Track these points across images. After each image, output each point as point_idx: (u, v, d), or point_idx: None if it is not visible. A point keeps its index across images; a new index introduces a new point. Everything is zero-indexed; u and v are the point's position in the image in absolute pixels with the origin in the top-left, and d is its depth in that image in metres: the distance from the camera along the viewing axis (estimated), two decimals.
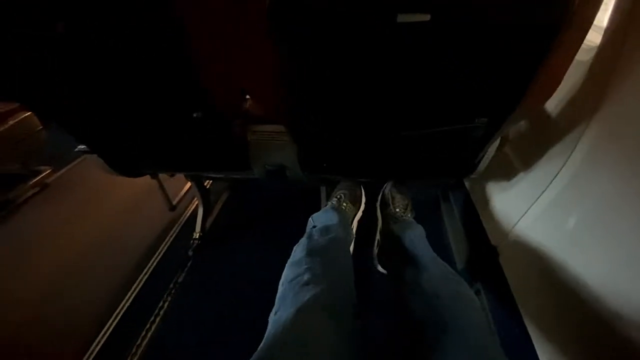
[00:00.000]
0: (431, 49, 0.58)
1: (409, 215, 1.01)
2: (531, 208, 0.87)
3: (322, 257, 0.72)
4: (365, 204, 1.12)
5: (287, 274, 0.72)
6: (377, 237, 1.05)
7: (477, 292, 1.02)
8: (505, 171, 0.99)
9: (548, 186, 0.83)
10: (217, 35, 0.68)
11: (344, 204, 1.04)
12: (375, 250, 1.03)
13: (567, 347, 0.72)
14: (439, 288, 0.66)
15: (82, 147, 1.01)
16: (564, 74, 0.62)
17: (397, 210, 1.02)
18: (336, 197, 1.07)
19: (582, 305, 0.70)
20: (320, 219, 0.98)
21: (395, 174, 0.98)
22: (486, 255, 1.02)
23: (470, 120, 0.73)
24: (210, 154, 0.99)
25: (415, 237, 0.88)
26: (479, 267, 1.04)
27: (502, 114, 0.70)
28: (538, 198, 0.85)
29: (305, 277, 0.64)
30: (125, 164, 1.05)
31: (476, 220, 1.11)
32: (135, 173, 1.12)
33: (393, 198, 1.07)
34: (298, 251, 0.77)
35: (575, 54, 0.57)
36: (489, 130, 0.75)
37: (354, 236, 1.02)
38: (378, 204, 1.12)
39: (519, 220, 0.91)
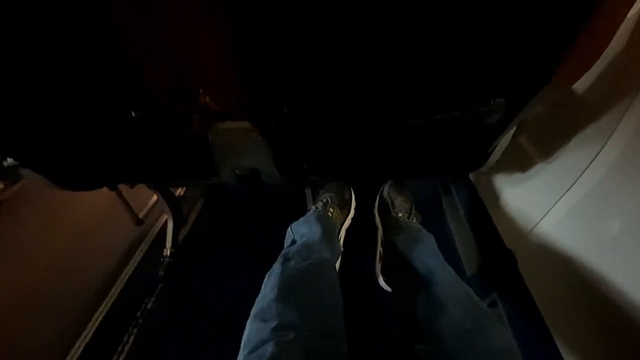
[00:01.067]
0: (443, 8, 0.42)
1: (414, 221, 0.85)
2: (555, 206, 0.72)
3: (298, 296, 0.55)
4: (356, 209, 0.96)
5: (254, 315, 0.55)
6: (379, 248, 0.89)
7: (493, 303, 0.88)
8: (520, 163, 0.84)
9: (577, 180, 0.68)
10: (147, 10, 0.51)
11: (331, 210, 0.88)
12: (378, 265, 0.87)
13: None
14: (463, 321, 0.50)
15: (11, 160, 0.83)
16: (610, 39, 0.46)
17: (400, 215, 0.86)
18: (322, 202, 0.91)
19: (622, 319, 0.56)
20: (301, 230, 0.81)
21: (392, 173, 0.82)
22: (502, 260, 0.87)
23: (486, 102, 0.57)
24: (164, 160, 0.82)
25: (425, 249, 0.72)
26: (494, 274, 0.89)
27: (524, 94, 0.55)
28: (564, 194, 0.70)
29: (274, 333, 0.47)
30: (65, 178, 0.87)
31: (485, 219, 0.96)
32: (81, 187, 0.94)
33: (393, 201, 0.91)
34: (269, 286, 0.60)
35: (622, 19, 0.42)
36: (506, 115, 0.59)
37: (342, 249, 0.86)
38: (376, 209, 0.96)
39: (540, 219, 0.76)
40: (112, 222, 1.29)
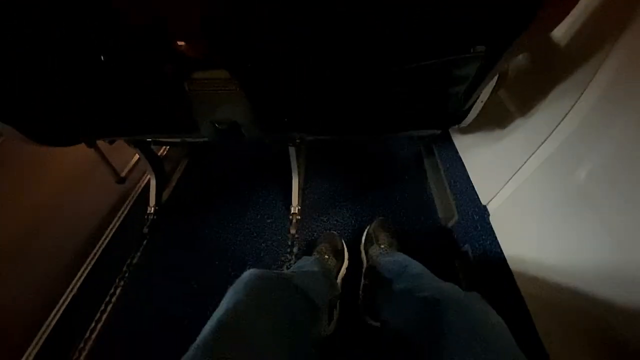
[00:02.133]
0: None
1: (395, 252, 0.87)
2: (530, 159, 0.74)
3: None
4: (349, 259, 0.98)
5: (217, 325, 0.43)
6: (362, 281, 0.91)
7: (466, 254, 0.93)
8: (500, 119, 0.85)
9: (552, 133, 0.69)
10: None
11: (326, 257, 0.90)
12: (361, 296, 0.89)
13: (567, 324, 0.63)
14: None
15: None
16: None
17: (383, 247, 0.89)
18: (317, 251, 0.91)
19: (586, 264, 0.60)
20: (298, 264, 0.82)
21: (373, 126, 0.82)
22: (474, 215, 0.91)
23: (465, 49, 0.56)
24: (140, 111, 0.80)
25: (410, 271, 0.68)
26: (466, 229, 0.93)
27: (503, 41, 0.54)
28: (539, 147, 0.72)
29: None
30: (38, 131, 0.84)
31: (464, 176, 0.99)
32: (57, 142, 0.91)
33: (377, 236, 0.93)
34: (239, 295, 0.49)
35: None
36: (486, 63, 0.59)
37: (340, 291, 0.87)
38: (362, 245, 0.99)
39: (514, 173, 0.79)
40: (94, 179, 1.27)
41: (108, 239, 1.16)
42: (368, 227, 1.01)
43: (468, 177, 0.98)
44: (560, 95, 0.68)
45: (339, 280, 0.91)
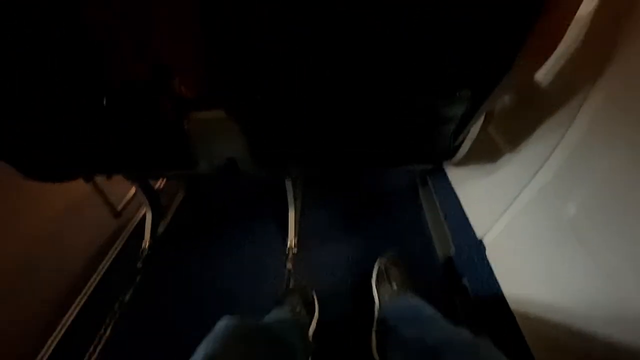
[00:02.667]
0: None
1: (407, 291, 0.86)
2: (521, 194, 0.76)
3: None
4: (320, 312, 0.95)
5: None
6: (375, 326, 0.88)
7: (465, 289, 0.91)
8: (490, 154, 0.87)
9: (540, 168, 0.71)
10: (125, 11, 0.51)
11: (297, 310, 0.86)
12: (374, 338, 0.87)
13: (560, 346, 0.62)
14: None
15: None
16: (565, 30, 0.49)
17: (394, 286, 0.88)
18: (289, 306, 0.87)
19: (579, 300, 0.59)
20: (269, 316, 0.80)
21: (365, 161, 0.84)
22: (471, 248, 0.91)
23: (451, 93, 0.59)
24: (139, 149, 0.81)
25: (426, 321, 0.66)
26: (464, 262, 0.93)
27: (488, 85, 0.57)
28: (529, 182, 0.74)
29: None
30: (35, 168, 0.85)
31: (458, 209, 0.99)
32: (53, 178, 0.92)
33: (389, 273, 0.92)
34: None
35: (579, 3, 0.44)
36: (472, 105, 0.62)
37: (313, 347, 0.84)
38: (373, 280, 0.97)
39: (507, 208, 0.80)
40: (90, 214, 1.27)
41: (101, 275, 1.14)
42: (379, 262, 0.98)
43: (462, 209, 0.99)
44: (546, 131, 0.70)
45: (310, 334, 0.88)
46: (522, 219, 0.76)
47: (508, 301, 0.77)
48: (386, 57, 0.53)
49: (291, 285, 1.05)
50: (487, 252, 0.84)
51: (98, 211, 1.23)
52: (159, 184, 1.44)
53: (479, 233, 0.89)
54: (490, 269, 0.81)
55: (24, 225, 1.18)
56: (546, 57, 0.53)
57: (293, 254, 1.13)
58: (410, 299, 0.79)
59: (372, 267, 1.06)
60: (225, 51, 0.57)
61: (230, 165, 0.87)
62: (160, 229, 1.29)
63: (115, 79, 0.61)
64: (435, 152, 0.79)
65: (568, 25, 0.49)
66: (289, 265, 1.10)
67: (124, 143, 0.79)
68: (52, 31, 0.53)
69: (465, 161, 0.87)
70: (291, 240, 1.15)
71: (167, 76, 0.62)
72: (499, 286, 0.79)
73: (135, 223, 1.33)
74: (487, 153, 0.89)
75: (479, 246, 0.87)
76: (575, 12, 0.47)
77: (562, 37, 0.50)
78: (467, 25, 0.48)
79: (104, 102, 0.66)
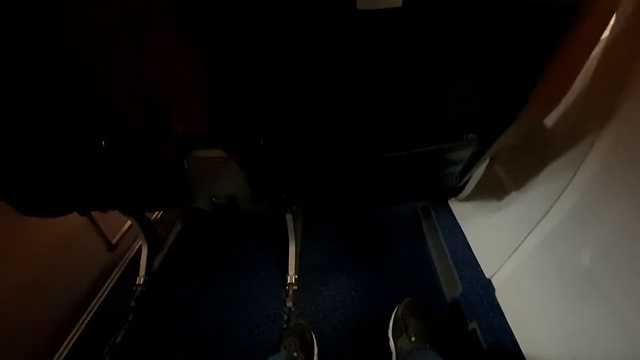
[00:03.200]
0: (419, 45, 0.43)
1: (427, 346, 0.82)
2: (530, 235, 0.73)
3: None
4: (319, 354, 0.92)
5: None
6: None
7: (474, 333, 0.87)
8: (495, 191, 0.86)
9: (548, 211, 0.69)
10: (116, 42, 0.50)
11: (294, 355, 0.83)
12: None
13: None
14: None
15: None
16: (576, 75, 0.48)
17: (414, 339, 0.83)
18: (284, 348, 0.85)
19: (595, 350, 0.56)
20: None
21: (368, 199, 0.82)
22: (479, 289, 0.87)
23: (458, 137, 0.58)
24: (137, 187, 0.79)
25: None
26: (473, 303, 0.89)
27: (496, 129, 0.56)
28: (537, 224, 0.71)
29: None
30: (29, 204, 0.82)
31: (464, 245, 0.97)
32: (51, 213, 0.90)
33: (407, 324, 0.87)
34: None
35: (593, 47, 0.44)
36: (479, 149, 0.61)
37: None
38: (390, 331, 0.93)
39: (516, 249, 0.77)
40: (82, 247, 1.22)
41: (92, 313, 1.09)
42: (396, 311, 0.93)
43: (469, 246, 0.96)
44: (553, 173, 0.69)
45: None
46: (531, 261, 0.73)
47: (521, 347, 0.72)
48: (390, 109, 0.52)
49: (291, 324, 1.00)
50: (497, 294, 0.81)
51: (91, 244, 1.19)
52: (156, 214, 1.41)
53: (487, 272, 0.86)
54: (502, 313, 0.78)
55: (11, 260, 1.14)
56: (556, 103, 0.52)
57: (293, 290, 1.09)
58: (428, 356, 0.75)
59: (375, 306, 1.02)
60: (228, 95, 0.56)
61: (230, 203, 0.85)
62: (157, 263, 1.25)
63: (114, 121, 0.60)
64: (440, 191, 0.78)
65: (579, 71, 0.48)
66: (289, 304, 1.06)
67: (122, 180, 0.77)
68: (47, 64, 0.51)
69: (470, 196, 0.85)
70: (291, 276, 1.11)
71: (165, 118, 0.60)
72: (511, 332, 0.75)
73: (131, 256, 1.29)
74: (492, 189, 0.87)
75: (488, 287, 0.84)
76: (587, 59, 0.47)
77: (572, 84, 0.49)
78: (477, 70, 0.48)
79: (103, 144, 0.64)
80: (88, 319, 1.07)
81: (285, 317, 1.03)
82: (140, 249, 1.28)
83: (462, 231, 0.99)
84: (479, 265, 0.90)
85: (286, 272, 1.13)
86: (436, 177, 0.69)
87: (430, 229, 1.21)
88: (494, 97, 0.51)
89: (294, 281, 1.10)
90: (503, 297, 0.80)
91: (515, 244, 0.77)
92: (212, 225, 1.40)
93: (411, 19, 0.41)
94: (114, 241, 1.24)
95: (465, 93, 0.51)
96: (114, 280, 1.19)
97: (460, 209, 1.04)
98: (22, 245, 1.10)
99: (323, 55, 0.46)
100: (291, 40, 0.44)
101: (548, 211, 0.70)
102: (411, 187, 0.74)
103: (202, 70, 0.53)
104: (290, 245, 1.14)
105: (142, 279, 1.15)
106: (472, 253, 0.93)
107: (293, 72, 0.49)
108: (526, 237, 0.74)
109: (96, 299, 1.13)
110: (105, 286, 1.17)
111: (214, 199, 0.84)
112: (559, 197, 0.67)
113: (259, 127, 0.60)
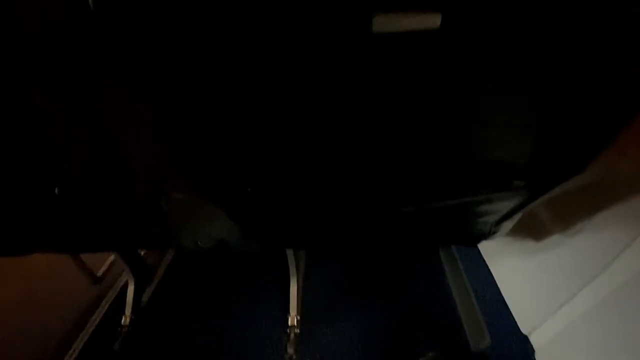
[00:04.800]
0: (455, 75, 0.31)
1: None
2: (583, 291, 0.60)
3: None
4: None
5: None
6: None
7: None
8: (534, 231, 0.72)
9: (605, 271, 0.56)
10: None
11: None
12: None
13: None
14: None
15: None
16: None
17: None
18: None
19: None
20: None
21: (380, 244, 0.69)
22: (513, 344, 0.74)
23: (500, 186, 0.45)
24: (107, 229, 0.68)
25: None
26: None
27: (553, 177, 0.43)
28: (594, 279, 0.58)
29: None
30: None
31: (493, 289, 0.83)
32: (18, 252, 0.79)
33: None
34: None
35: None
36: (526, 199, 0.47)
37: None
38: None
39: (563, 304, 0.63)
40: (64, 281, 1.11)
41: (75, 356, 0.98)
42: None
43: (498, 290, 0.83)
44: (618, 223, 0.55)
45: None
46: (587, 323, 0.59)
47: None
48: (410, 152, 0.40)
49: None
50: (538, 356, 0.67)
51: (74, 277, 1.08)
52: None
53: (524, 327, 0.72)
54: None
55: None
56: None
57: (295, 334, 0.96)
58: None
59: (387, 356, 0.89)
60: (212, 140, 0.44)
61: (218, 245, 0.73)
62: (145, 297, 1.14)
63: (64, 171, 0.48)
64: (468, 237, 0.64)
65: None
66: (290, 350, 0.93)
67: (88, 223, 0.66)
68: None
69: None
70: (292, 317, 0.99)
71: (124, 170, 0.48)
72: None
73: (119, 289, 1.18)
74: (529, 228, 0.73)
75: (525, 345, 0.70)
76: None
77: None
78: (535, 107, 0.35)
79: (56, 192, 0.53)
80: None
81: None
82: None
83: (489, 271, 0.86)
84: (511, 315, 0.76)
85: (287, 311, 1.00)
86: (466, 226, 0.56)
87: (451, 266, 1.06)
88: (556, 140, 0.38)
89: (295, 323, 0.98)
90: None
91: (562, 298, 0.64)
92: (207, 254, 1.28)
93: (448, 43, 0.28)
94: (99, 274, 1.13)
95: (515, 134, 0.38)
96: (98, 318, 1.08)
97: (487, 245, 0.90)
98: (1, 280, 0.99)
99: (329, 87, 0.34)
100: (293, 70, 0.32)
101: (609, 266, 0.56)
102: (433, 234, 0.61)
103: (171, 120, 0.41)
104: (291, 282, 1.01)
105: (127, 318, 1.04)
106: (503, 299, 0.80)
107: (297, 108, 0.37)
108: (578, 293, 0.61)
109: (78, 341, 1.02)
110: (88, 324, 1.06)
111: (199, 242, 0.73)
112: (622, 252, 0.54)
113: (247, 175, 0.48)
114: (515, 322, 0.74)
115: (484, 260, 0.88)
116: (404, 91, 0.34)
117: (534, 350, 0.68)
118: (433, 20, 0.25)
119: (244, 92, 0.35)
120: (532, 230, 0.72)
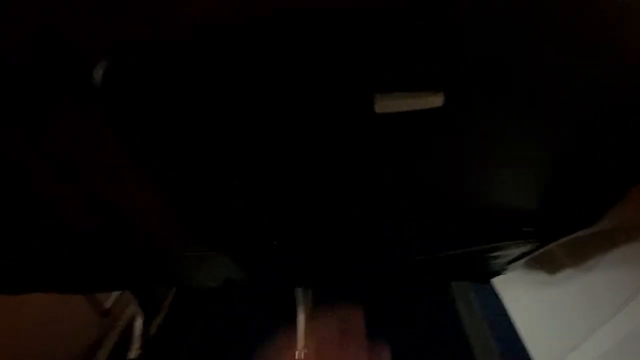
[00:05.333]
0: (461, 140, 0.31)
1: None
2: (602, 329, 0.58)
3: None
4: None
5: None
6: None
7: None
8: (546, 264, 0.70)
9: (627, 304, 0.54)
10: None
11: None
12: None
13: None
14: None
15: None
16: None
17: None
18: None
19: None
20: None
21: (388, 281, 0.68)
22: None
23: (510, 235, 0.44)
24: (112, 274, 0.68)
25: None
26: None
27: (562, 229, 0.42)
28: (613, 317, 0.56)
29: None
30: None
31: (505, 320, 0.81)
32: (15, 291, 0.79)
33: None
34: None
35: None
36: (536, 247, 0.46)
37: None
38: None
39: (580, 342, 0.61)
40: (71, 315, 1.10)
41: None
42: None
43: (510, 320, 0.80)
44: (634, 261, 0.54)
45: None
46: None
47: None
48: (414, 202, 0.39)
49: None
50: None
51: (82, 310, 1.08)
52: None
53: None
54: None
55: None
56: None
57: None
58: None
59: None
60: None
61: (227, 285, 0.72)
62: (153, 329, 1.13)
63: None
64: (480, 276, 0.63)
65: None
66: None
67: (88, 268, 0.66)
68: None
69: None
70: (300, 350, 0.97)
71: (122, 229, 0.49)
72: None
73: (127, 320, 1.18)
74: (541, 260, 0.71)
75: None
76: None
77: None
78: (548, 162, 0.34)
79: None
80: None
81: None
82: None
83: (502, 303, 0.83)
84: (526, 350, 0.74)
85: (294, 346, 0.98)
86: (478, 267, 0.55)
87: (461, 293, 1.04)
88: (567, 193, 0.37)
89: (302, 357, 0.96)
90: None
91: (581, 334, 0.61)
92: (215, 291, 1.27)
93: (452, 115, 0.28)
94: (107, 306, 1.13)
95: (524, 186, 0.37)
96: (106, 352, 1.07)
97: (500, 277, 0.88)
98: (7, 318, 0.99)
99: (334, 153, 0.34)
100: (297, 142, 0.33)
101: (625, 305, 0.54)
102: (444, 275, 0.60)
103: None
104: (298, 315, 1.00)
105: (136, 352, 1.03)
106: (516, 332, 0.77)
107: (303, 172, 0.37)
108: (598, 329, 0.59)
109: None
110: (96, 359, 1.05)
111: (206, 282, 0.72)
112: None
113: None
114: (530, 357, 0.71)
115: (496, 292, 0.86)
116: (410, 149, 0.33)
117: None
118: (436, 100, 0.25)
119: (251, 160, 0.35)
120: (546, 263, 0.70)
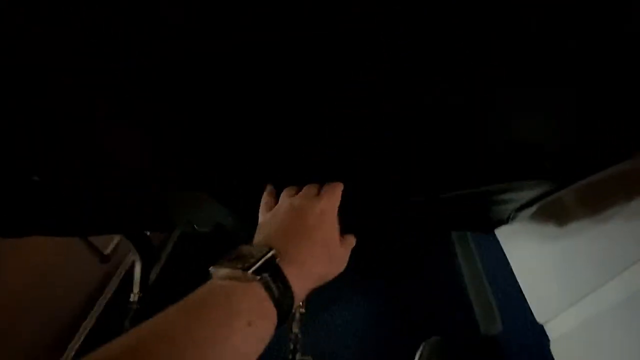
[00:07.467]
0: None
1: None
2: (611, 282, 0.54)
3: None
4: None
5: None
6: None
7: None
8: (555, 213, 0.65)
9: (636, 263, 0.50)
10: None
11: None
12: None
13: None
14: None
15: None
16: None
17: None
18: None
19: None
20: None
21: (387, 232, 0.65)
22: (526, 332, 0.70)
23: (524, 174, 0.38)
24: (94, 214, 0.65)
25: None
26: (517, 350, 0.72)
27: (587, 166, 0.36)
28: (622, 272, 0.52)
29: None
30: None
31: (506, 274, 0.78)
32: (15, 234, 0.78)
33: None
34: None
35: None
36: (553, 188, 0.41)
37: None
38: None
39: (583, 296, 0.58)
40: (72, 260, 1.11)
41: (83, 336, 1.01)
42: (421, 350, 0.76)
43: (512, 272, 0.78)
44: None
45: None
46: (613, 318, 0.54)
47: None
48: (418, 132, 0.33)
49: (297, 357, 0.88)
50: (553, 347, 0.63)
51: (82, 256, 1.09)
52: None
53: (539, 316, 0.68)
54: None
55: None
56: None
57: (300, 314, 0.95)
58: None
59: (395, 340, 0.88)
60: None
61: (218, 229, 0.70)
62: (153, 275, 1.15)
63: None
64: (484, 224, 0.59)
65: None
66: (295, 329, 0.93)
67: (79, 211, 0.63)
68: None
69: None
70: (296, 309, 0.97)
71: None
72: None
73: (127, 266, 1.19)
74: (549, 210, 0.67)
75: (540, 335, 0.66)
76: None
77: None
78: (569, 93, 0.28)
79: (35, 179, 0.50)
80: (79, 343, 0.99)
81: (291, 346, 0.91)
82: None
83: (504, 255, 0.80)
84: (526, 303, 0.72)
85: None
86: (482, 214, 0.51)
87: (463, 248, 1.02)
88: (598, 124, 0.31)
89: (301, 303, 0.97)
90: (561, 353, 0.62)
91: (586, 289, 0.58)
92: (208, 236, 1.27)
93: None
94: (106, 252, 1.14)
95: (549, 118, 0.31)
96: (107, 297, 1.10)
97: (503, 228, 0.84)
98: (7, 265, 1.00)
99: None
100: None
101: (633, 264, 0.50)
102: (445, 223, 0.56)
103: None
104: None
105: (136, 296, 1.05)
106: (518, 285, 0.75)
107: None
108: (606, 284, 0.55)
109: (88, 320, 1.04)
110: (98, 303, 1.08)
111: (195, 226, 0.70)
112: None
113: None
114: (531, 310, 0.69)
115: (499, 243, 0.83)
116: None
117: (549, 341, 0.64)
118: None
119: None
120: (555, 213, 0.66)
